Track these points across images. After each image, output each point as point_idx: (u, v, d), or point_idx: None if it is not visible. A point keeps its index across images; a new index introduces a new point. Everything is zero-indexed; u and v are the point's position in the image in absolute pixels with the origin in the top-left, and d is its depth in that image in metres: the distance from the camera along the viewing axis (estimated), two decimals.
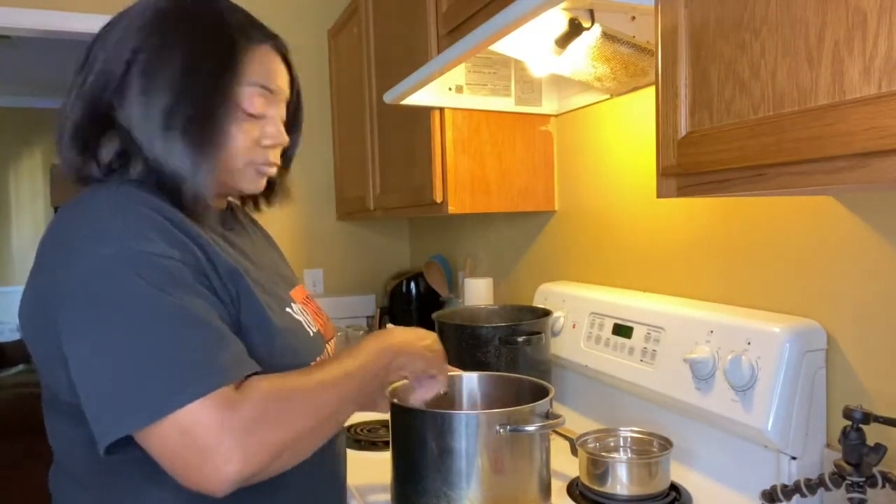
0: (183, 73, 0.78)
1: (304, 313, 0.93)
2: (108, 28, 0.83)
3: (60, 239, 0.74)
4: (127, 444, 0.67)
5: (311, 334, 0.90)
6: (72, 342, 0.69)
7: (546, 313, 1.46)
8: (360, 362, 0.83)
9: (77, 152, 0.80)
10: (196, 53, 0.80)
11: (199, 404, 0.65)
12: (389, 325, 0.98)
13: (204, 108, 0.79)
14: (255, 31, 0.86)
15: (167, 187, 0.78)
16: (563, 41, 1.09)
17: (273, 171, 0.89)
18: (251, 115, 0.84)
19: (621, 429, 1.14)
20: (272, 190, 1.00)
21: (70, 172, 0.82)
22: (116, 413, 0.66)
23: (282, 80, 0.88)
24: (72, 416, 0.75)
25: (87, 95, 0.80)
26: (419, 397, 1.01)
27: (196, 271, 0.74)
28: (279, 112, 0.88)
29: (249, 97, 0.83)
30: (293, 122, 0.95)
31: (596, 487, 1.04)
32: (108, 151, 0.80)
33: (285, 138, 0.89)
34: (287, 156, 0.97)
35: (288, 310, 0.88)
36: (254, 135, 0.85)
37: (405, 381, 1.03)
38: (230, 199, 0.98)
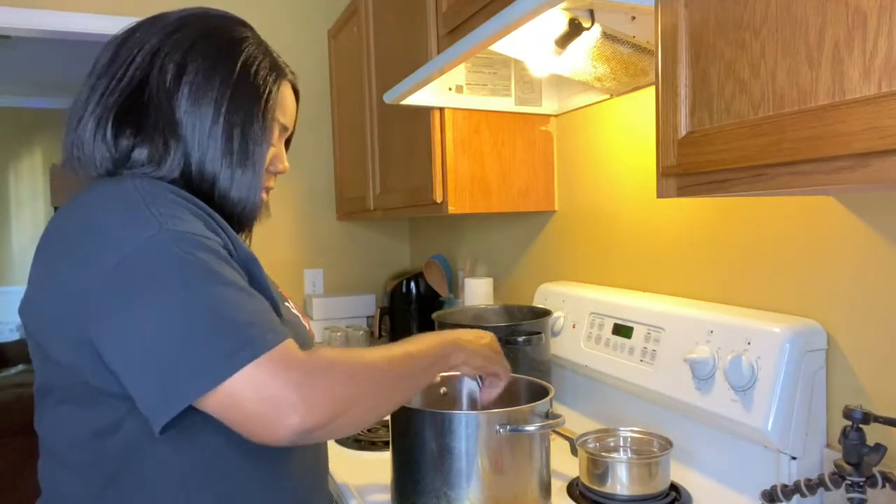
0: (228, 103, 0.85)
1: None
2: (139, 32, 0.86)
3: (86, 228, 0.74)
4: (175, 420, 0.68)
5: (307, 329, 0.93)
6: (117, 321, 0.69)
7: (546, 313, 1.46)
8: (422, 348, 0.87)
9: (110, 146, 0.82)
10: (243, 85, 0.87)
11: (263, 360, 0.67)
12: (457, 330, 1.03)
13: (249, 141, 0.87)
14: (283, 68, 0.93)
15: (203, 195, 0.84)
16: (563, 41, 1.09)
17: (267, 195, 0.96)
18: (273, 146, 0.92)
19: (621, 429, 1.15)
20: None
21: (96, 164, 0.83)
22: (183, 379, 0.67)
23: (294, 117, 0.97)
24: (86, 403, 0.76)
25: (123, 95, 0.83)
26: (485, 397, 1.05)
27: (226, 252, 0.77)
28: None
29: (278, 131, 0.92)
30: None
31: (596, 487, 1.04)
32: (142, 151, 0.83)
33: (288, 166, 0.97)
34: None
35: (287, 304, 0.91)
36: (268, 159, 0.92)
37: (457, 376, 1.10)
38: None
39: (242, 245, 0.83)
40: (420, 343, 0.87)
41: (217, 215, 0.82)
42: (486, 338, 1.01)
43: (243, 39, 0.89)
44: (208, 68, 0.84)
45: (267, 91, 0.89)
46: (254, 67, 0.88)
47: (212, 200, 0.86)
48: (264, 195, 0.93)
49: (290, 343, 0.71)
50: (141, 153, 0.82)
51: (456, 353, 0.92)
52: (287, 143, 1.00)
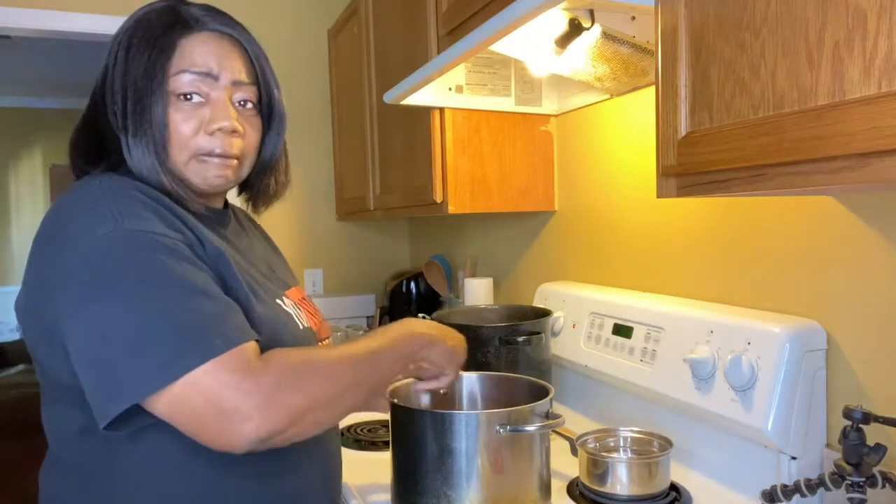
0: (124, 71, 0.81)
1: (298, 309, 0.94)
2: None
3: (55, 228, 0.75)
4: (126, 420, 0.68)
5: (301, 328, 0.91)
6: (73, 319, 0.70)
7: (546, 313, 1.46)
8: (387, 343, 0.84)
9: (88, 154, 0.85)
10: (133, 50, 0.82)
11: (211, 365, 0.66)
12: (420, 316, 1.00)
13: (140, 97, 0.80)
14: (205, 21, 0.85)
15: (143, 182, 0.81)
16: (563, 41, 1.09)
17: (229, 163, 0.85)
18: (186, 98, 0.82)
19: (621, 429, 1.14)
20: (252, 192, 0.99)
21: (79, 170, 0.85)
22: (126, 381, 0.67)
23: (230, 65, 0.85)
24: (68, 402, 0.76)
25: (90, 100, 0.86)
26: (420, 388, 1.02)
27: (190, 250, 0.76)
28: (226, 96, 0.85)
29: (188, 81, 0.82)
30: (268, 124, 0.93)
31: (596, 487, 1.03)
32: (98, 151, 0.85)
33: (232, 123, 0.84)
34: (262, 158, 0.94)
35: (279, 301, 0.89)
36: (194, 122, 0.82)
37: (409, 381, 1.05)
38: (227, 199, 1.00)
39: (212, 243, 0.81)
40: (385, 337, 0.85)
41: (182, 211, 0.80)
42: (456, 339, 0.98)
43: (143, 14, 0.85)
44: (114, 52, 0.84)
45: (152, 51, 0.81)
46: (138, 36, 0.82)
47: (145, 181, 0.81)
48: (223, 162, 0.84)
49: (246, 348, 0.69)
50: (98, 154, 0.85)
51: (425, 348, 0.90)
52: (269, 116, 0.92)
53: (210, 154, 0.83)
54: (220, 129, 0.83)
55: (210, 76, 0.83)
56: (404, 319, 0.93)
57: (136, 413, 0.68)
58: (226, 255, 0.81)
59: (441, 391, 1.03)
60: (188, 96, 0.82)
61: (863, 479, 0.78)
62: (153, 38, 0.82)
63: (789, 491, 0.85)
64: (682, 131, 0.76)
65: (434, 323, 0.96)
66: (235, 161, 0.86)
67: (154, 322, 0.67)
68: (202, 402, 0.66)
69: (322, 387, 0.73)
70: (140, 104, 0.80)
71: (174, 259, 0.72)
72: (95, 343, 0.68)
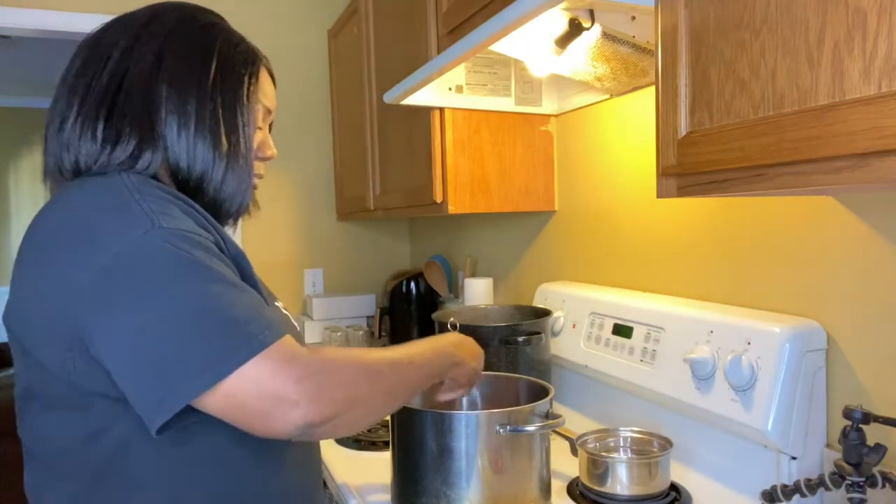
0: (212, 88, 0.84)
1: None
2: (110, 30, 0.85)
3: (80, 228, 0.72)
4: (172, 421, 0.67)
5: (297, 327, 0.92)
6: (113, 320, 0.68)
7: (546, 313, 1.46)
8: (427, 358, 0.88)
9: (98, 144, 0.80)
10: (226, 68, 0.86)
11: (260, 357, 0.66)
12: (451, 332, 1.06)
13: (239, 126, 0.85)
14: (258, 52, 0.92)
15: (191, 188, 0.83)
16: (563, 41, 1.09)
17: (256, 182, 0.94)
18: (259, 129, 0.90)
19: (621, 429, 1.15)
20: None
21: (80, 165, 0.81)
22: (179, 379, 0.66)
23: (274, 100, 0.96)
24: (73, 408, 0.74)
25: (105, 93, 0.81)
26: (440, 398, 1.04)
27: (217, 248, 0.77)
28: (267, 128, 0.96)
29: (259, 113, 0.90)
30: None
31: (596, 487, 1.04)
32: (126, 145, 0.80)
33: (275, 152, 0.96)
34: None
35: (277, 303, 0.91)
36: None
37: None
38: None
39: (232, 240, 0.82)
40: (421, 350, 0.88)
41: (204, 211, 0.80)
42: (478, 358, 1.02)
43: (215, 24, 0.88)
44: (187, 56, 0.83)
45: (248, 74, 0.87)
46: (232, 52, 0.86)
47: (200, 192, 0.84)
48: (256, 181, 0.92)
49: (288, 339, 0.70)
50: (124, 150, 0.79)
51: (452, 368, 0.94)
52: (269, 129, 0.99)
53: (256, 175, 0.91)
54: (268, 158, 0.94)
55: (270, 113, 0.94)
56: (445, 335, 0.98)
57: (184, 412, 0.68)
58: (245, 255, 0.82)
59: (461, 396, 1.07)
60: (260, 126, 0.92)
61: (863, 479, 0.78)
62: (248, 58, 0.89)
63: (789, 491, 0.85)
64: (682, 131, 0.76)
65: (463, 340, 1.00)
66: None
67: (201, 319, 0.67)
68: (254, 394, 0.66)
69: (363, 384, 0.74)
70: (237, 122, 0.85)
71: (209, 256, 0.72)
72: (142, 344, 0.67)
